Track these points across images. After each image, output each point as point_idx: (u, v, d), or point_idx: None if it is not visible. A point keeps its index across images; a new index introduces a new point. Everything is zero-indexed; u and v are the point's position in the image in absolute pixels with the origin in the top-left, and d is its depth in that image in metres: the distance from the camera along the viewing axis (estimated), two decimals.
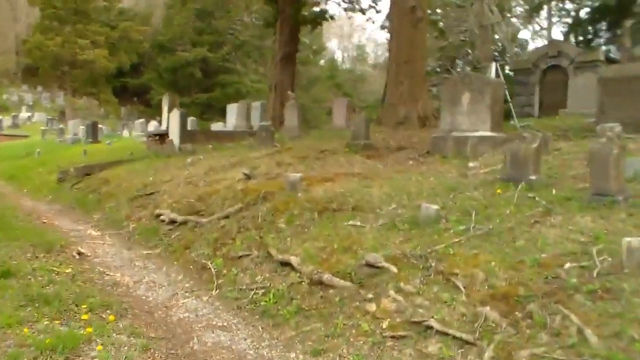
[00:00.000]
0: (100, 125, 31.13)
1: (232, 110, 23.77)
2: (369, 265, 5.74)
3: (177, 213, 9.03)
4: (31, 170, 19.77)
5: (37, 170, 19.18)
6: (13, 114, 43.26)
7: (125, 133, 40.10)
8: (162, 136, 16.87)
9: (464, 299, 4.94)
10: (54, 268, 6.88)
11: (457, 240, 5.87)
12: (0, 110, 45.53)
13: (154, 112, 55.39)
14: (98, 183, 13.26)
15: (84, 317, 5.29)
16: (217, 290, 6.47)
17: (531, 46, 45.61)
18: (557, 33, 40.90)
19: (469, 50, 49.02)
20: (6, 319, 4.97)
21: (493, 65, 14.66)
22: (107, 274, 7.08)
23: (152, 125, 31.93)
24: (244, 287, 6.33)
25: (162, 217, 9.20)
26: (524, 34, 44.92)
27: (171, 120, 16.39)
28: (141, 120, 33.72)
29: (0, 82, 53.91)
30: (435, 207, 6.59)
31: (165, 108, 21.57)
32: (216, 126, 30.93)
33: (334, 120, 20.81)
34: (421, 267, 5.51)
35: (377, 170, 9.41)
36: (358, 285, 5.57)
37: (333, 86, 68.37)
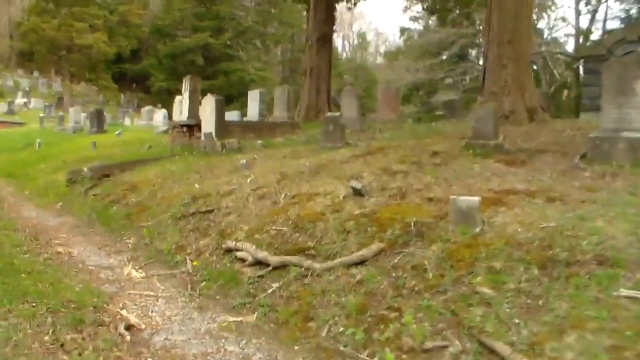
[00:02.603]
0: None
1: (254, 97, 20.40)
2: None
3: (268, 250, 5.77)
4: (32, 166, 16.29)
5: (40, 167, 15.74)
6: (8, 100, 39.40)
7: (127, 121, 36.67)
8: (192, 128, 13.56)
9: None
10: None
11: None
12: None
13: (154, 99, 51.93)
14: (122, 189, 9.89)
15: None
16: None
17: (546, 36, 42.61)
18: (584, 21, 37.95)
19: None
20: None
21: None
22: None
23: (161, 114, 28.47)
24: None
25: (239, 254, 5.94)
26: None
27: (204, 109, 13.07)
28: (147, 107, 30.20)
29: None
30: None
31: (185, 94, 18.20)
32: (231, 115, 27.63)
33: (381, 111, 17.80)
34: None
35: (551, 186, 6.20)
36: None
37: (335, 75, 65.16)
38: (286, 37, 62.90)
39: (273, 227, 6.13)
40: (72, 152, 16.76)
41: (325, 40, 19.29)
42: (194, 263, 6.16)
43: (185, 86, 17.66)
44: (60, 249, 7.07)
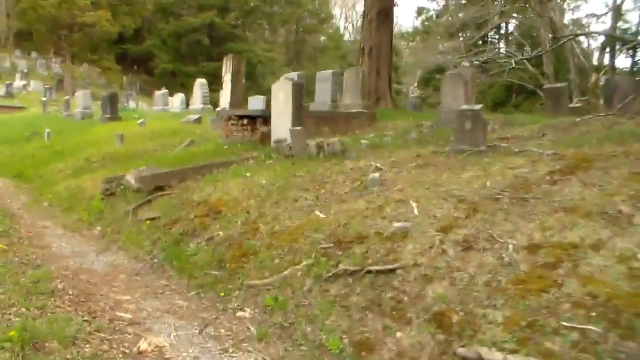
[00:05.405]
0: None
1: (326, 79, 16.84)
2: None
3: None
4: (45, 164, 13.25)
5: (56, 166, 12.69)
6: (6, 82, 36.00)
7: (131, 104, 33.68)
8: (254, 120, 10.60)
9: None
10: None
11: None
12: None
13: (157, 81, 48.73)
14: (196, 214, 6.81)
15: None
16: None
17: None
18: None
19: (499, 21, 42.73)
20: None
21: None
22: None
23: (179, 99, 25.39)
24: None
25: None
26: None
27: (275, 95, 10.07)
28: (162, 91, 27.00)
29: None
30: None
31: (226, 77, 15.22)
32: (255, 103, 24.59)
33: (447, 99, 14.53)
34: None
35: None
36: None
37: (339, 57, 62.47)
38: (294, 17, 59.78)
39: (562, 324, 3.24)
40: (93, 146, 13.74)
41: (386, 15, 16.34)
42: None
43: (227, 67, 14.71)
44: (142, 344, 4.11)
